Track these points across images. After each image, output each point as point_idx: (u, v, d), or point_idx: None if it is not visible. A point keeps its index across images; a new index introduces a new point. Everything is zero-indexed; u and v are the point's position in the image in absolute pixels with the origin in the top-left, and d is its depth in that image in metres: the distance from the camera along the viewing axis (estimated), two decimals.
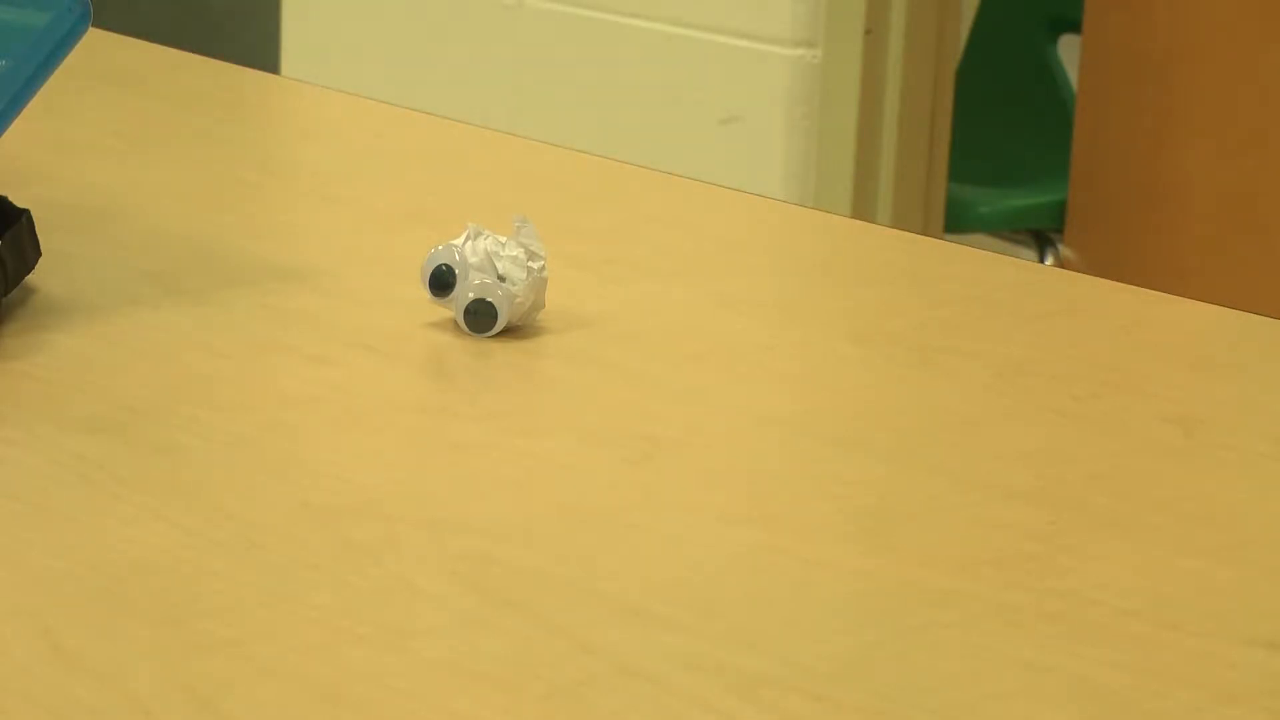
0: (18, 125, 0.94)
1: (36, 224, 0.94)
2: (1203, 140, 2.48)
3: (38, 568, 0.68)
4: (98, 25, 1.00)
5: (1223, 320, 1.00)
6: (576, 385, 0.87)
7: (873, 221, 2.28)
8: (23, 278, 0.93)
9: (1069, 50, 2.88)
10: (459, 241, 0.92)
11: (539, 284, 0.91)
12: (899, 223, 2.35)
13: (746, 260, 1.07)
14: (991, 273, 1.05)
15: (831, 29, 2.32)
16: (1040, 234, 2.80)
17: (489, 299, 0.90)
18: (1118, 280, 1.03)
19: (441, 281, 0.91)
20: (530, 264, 0.91)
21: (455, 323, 0.91)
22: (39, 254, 0.94)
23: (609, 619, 0.66)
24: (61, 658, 0.62)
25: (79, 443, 0.78)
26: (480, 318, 0.90)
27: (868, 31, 2.32)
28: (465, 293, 0.91)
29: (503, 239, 0.92)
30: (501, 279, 0.91)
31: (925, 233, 2.31)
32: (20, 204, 0.94)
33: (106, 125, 1.26)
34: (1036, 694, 0.62)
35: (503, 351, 0.90)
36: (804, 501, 0.76)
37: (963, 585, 0.69)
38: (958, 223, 2.63)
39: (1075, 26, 2.71)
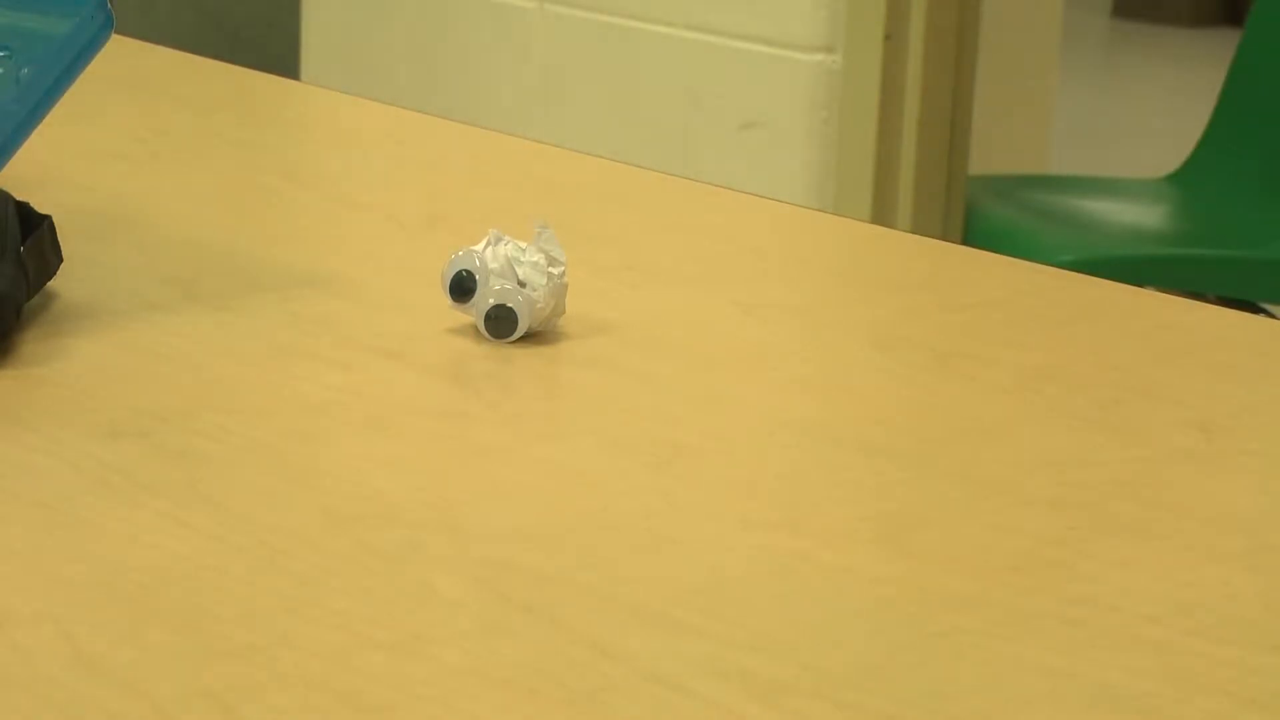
0: (40, 131, 0.94)
1: (58, 230, 0.95)
2: None
3: (59, 573, 0.68)
4: (120, 32, 1.00)
5: (1244, 325, 0.99)
6: (597, 391, 0.87)
7: (892, 226, 2.28)
8: (44, 283, 0.93)
9: None
10: (480, 247, 0.92)
11: (559, 289, 0.91)
12: (918, 228, 2.34)
13: (767, 265, 1.07)
14: (1012, 278, 1.05)
15: (851, 34, 2.32)
16: None
17: (509, 304, 0.90)
18: None
19: (462, 287, 0.91)
20: (551, 269, 0.91)
21: (476, 328, 0.91)
22: (60, 259, 0.95)
23: (630, 625, 0.66)
24: (82, 662, 0.62)
25: (101, 448, 0.78)
26: (501, 323, 0.90)
27: (887, 37, 2.32)
28: (486, 298, 0.91)
29: (523, 245, 0.92)
30: (522, 284, 0.91)
31: (945, 238, 2.31)
32: (42, 210, 0.95)
33: (128, 131, 1.26)
34: (1058, 700, 0.62)
35: (523, 357, 0.90)
36: (825, 507, 0.76)
37: (984, 591, 0.69)
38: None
39: None
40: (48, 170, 1.12)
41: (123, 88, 1.34)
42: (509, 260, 0.91)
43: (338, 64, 2.80)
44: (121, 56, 1.37)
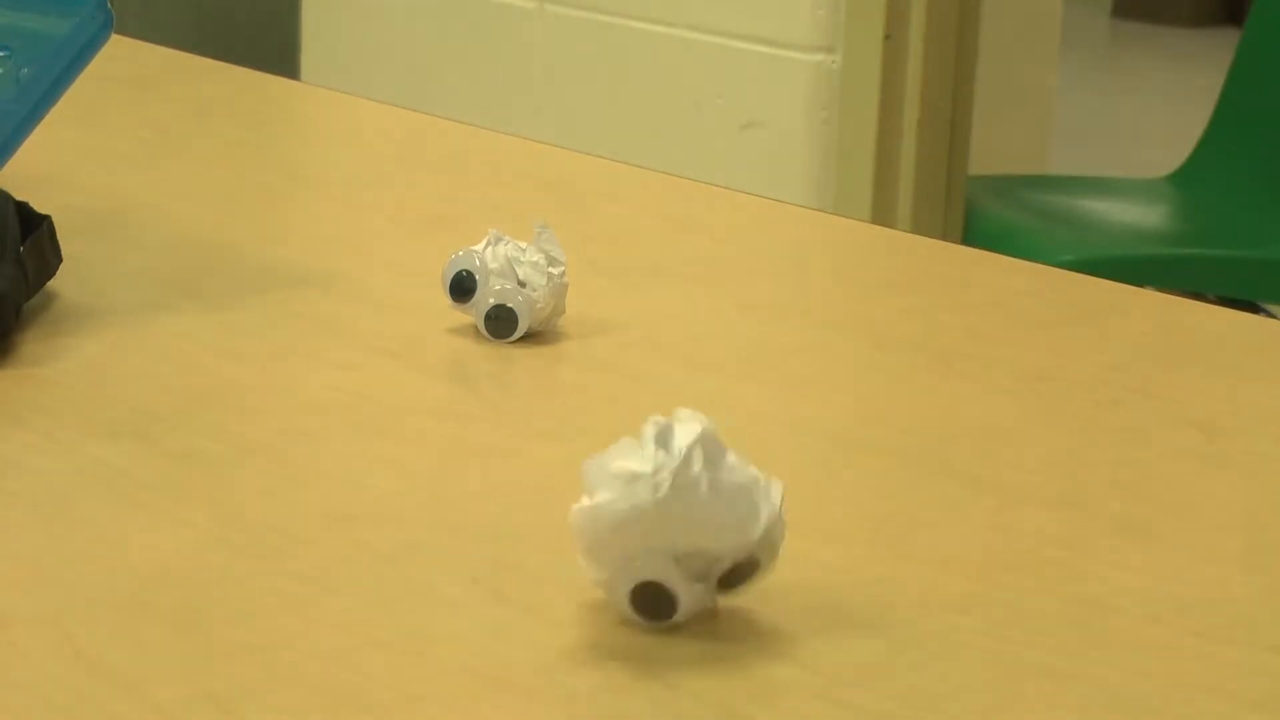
0: (40, 131, 0.94)
1: (58, 229, 0.95)
2: None
3: (59, 573, 0.68)
4: (120, 32, 1.00)
5: (1244, 325, 0.99)
6: (597, 390, 0.87)
7: (892, 226, 2.28)
8: (44, 283, 0.93)
9: None
10: (479, 247, 0.92)
11: (559, 289, 0.91)
12: (918, 228, 2.34)
13: (767, 265, 1.07)
14: (1012, 278, 1.05)
15: (851, 34, 2.32)
16: None
17: (509, 304, 0.90)
18: None
19: (462, 287, 0.91)
20: (550, 269, 0.91)
21: (476, 328, 0.91)
22: (60, 259, 0.95)
23: (629, 624, 0.66)
24: (83, 663, 0.62)
25: (101, 448, 0.78)
26: (501, 323, 0.90)
27: (887, 37, 2.32)
28: (486, 298, 0.91)
29: (523, 244, 0.92)
30: (522, 284, 0.91)
31: (945, 238, 2.31)
32: (42, 210, 0.95)
33: (128, 131, 1.26)
34: (1058, 701, 0.62)
35: (523, 357, 0.90)
36: (825, 506, 0.76)
37: (983, 591, 0.69)
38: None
39: None
40: (47, 170, 1.12)
41: (123, 87, 1.34)
42: (509, 260, 0.91)
43: (338, 64, 2.80)
44: (121, 56, 1.37)
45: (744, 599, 0.67)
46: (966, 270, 1.06)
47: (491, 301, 0.90)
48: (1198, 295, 2.03)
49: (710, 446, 0.64)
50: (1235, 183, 2.68)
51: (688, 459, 0.63)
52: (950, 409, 0.86)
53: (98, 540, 0.70)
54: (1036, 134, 2.95)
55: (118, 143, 1.23)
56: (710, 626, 0.65)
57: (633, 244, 1.08)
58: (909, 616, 0.67)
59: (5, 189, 0.92)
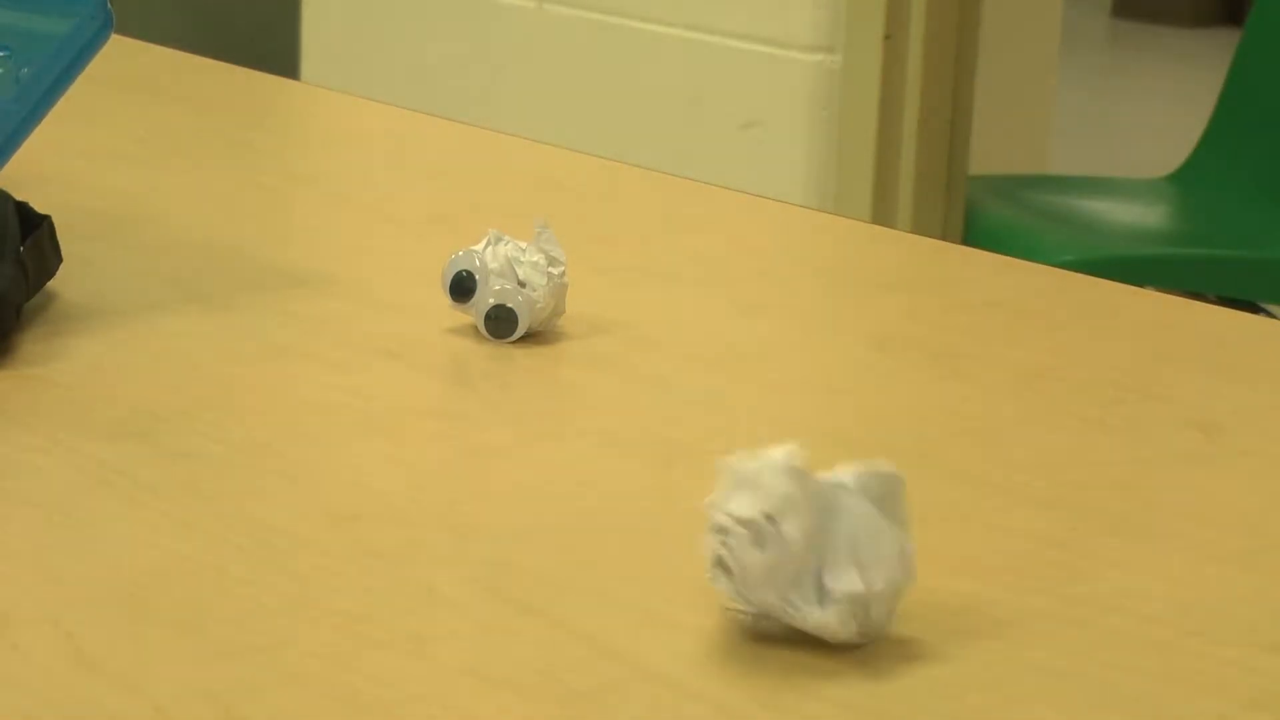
0: (40, 131, 0.94)
1: (58, 229, 0.95)
2: None
3: (60, 573, 0.68)
4: (119, 32, 1.00)
5: (1244, 325, 0.99)
6: (597, 390, 0.87)
7: (892, 226, 2.28)
8: (44, 283, 0.93)
9: None
10: (479, 247, 0.92)
11: (559, 289, 0.91)
12: (918, 228, 2.34)
13: (766, 265, 1.07)
14: (1012, 278, 1.05)
15: (851, 34, 2.32)
16: None
17: (509, 304, 0.90)
18: None
19: (462, 287, 0.91)
20: (550, 269, 0.91)
21: (476, 328, 0.91)
22: (60, 259, 0.95)
23: (630, 624, 0.66)
24: (83, 663, 0.62)
25: (100, 449, 0.78)
26: (501, 323, 0.91)
27: (887, 37, 2.32)
28: (486, 298, 0.91)
29: (523, 244, 0.92)
30: (522, 284, 0.91)
31: (945, 238, 2.31)
32: (42, 210, 0.95)
33: (128, 131, 1.26)
34: (1058, 701, 0.62)
35: (523, 357, 0.90)
36: None
37: (984, 591, 0.69)
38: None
39: None
40: (47, 170, 1.12)
41: (123, 88, 1.34)
42: (509, 260, 0.91)
43: (338, 64, 2.80)
44: (121, 56, 1.37)
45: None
46: (966, 270, 1.06)
47: (491, 301, 0.90)
48: (1198, 295, 2.03)
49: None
50: (1235, 183, 2.68)
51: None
52: (949, 409, 0.86)
53: (97, 540, 0.70)
54: (1036, 134, 2.95)
55: (118, 143, 1.23)
56: (710, 626, 0.65)
57: (633, 244, 1.08)
58: (908, 617, 0.67)
59: (5, 189, 0.92)
